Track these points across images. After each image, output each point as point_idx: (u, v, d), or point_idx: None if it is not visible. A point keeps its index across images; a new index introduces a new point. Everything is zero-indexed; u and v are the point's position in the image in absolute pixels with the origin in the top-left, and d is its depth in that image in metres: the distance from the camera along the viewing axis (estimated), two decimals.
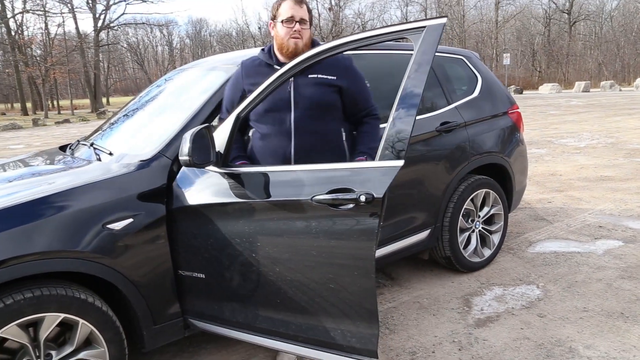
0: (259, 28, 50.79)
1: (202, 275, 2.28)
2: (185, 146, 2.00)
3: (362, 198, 1.84)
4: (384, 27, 2.00)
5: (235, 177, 2.17)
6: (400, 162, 1.83)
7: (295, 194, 1.99)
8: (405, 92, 1.87)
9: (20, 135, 18.66)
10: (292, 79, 2.21)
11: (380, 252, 3.02)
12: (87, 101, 44.23)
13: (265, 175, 2.11)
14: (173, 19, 77.90)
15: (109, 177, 2.22)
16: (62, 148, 3.15)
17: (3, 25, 35.43)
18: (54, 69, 34.16)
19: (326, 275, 2.01)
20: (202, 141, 2.05)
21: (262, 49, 2.40)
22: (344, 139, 2.33)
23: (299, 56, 2.13)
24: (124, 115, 3.17)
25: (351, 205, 1.88)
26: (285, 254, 2.06)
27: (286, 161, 2.24)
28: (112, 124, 3.16)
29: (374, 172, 1.88)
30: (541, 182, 6.26)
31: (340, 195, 1.89)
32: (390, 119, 1.86)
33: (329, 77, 2.25)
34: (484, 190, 3.56)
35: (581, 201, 5.33)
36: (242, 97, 2.30)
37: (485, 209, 3.63)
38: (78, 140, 3.13)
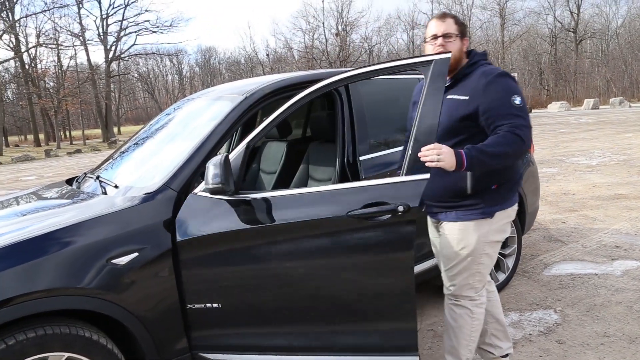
0: (267, 55, 51.44)
1: (217, 305, 2.24)
2: (214, 173, 2.05)
3: (400, 208, 2.04)
4: (395, 59, 2.28)
5: (251, 203, 2.23)
6: (427, 175, 2.06)
7: (328, 211, 2.14)
8: (423, 114, 2.11)
9: (33, 167, 18.89)
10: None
11: None
12: (98, 131, 44.86)
13: (285, 197, 2.26)
14: (183, 48, 79.35)
15: (113, 211, 2.20)
16: (69, 181, 3.15)
17: (17, 59, 36.24)
18: (66, 101, 34.76)
19: (363, 285, 2.18)
20: (227, 169, 2.09)
21: None
22: None
23: (449, 72, 2.17)
24: (130, 147, 3.17)
25: (388, 216, 2.05)
26: (321, 270, 2.19)
27: None
28: (119, 155, 3.16)
29: (405, 186, 2.08)
30: (554, 202, 6.17)
31: (379, 208, 2.07)
32: (412, 137, 2.10)
33: (462, 98, 2.19)
34: None
35: (596, 221, 5.22)
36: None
37: None
38: (85, 173, 3.13)
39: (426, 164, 2.02)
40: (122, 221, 2.16)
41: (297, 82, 2.83)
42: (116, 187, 2.50)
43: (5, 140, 36.75)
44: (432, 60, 2.15)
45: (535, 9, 48.80)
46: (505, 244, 3.63)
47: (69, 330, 1.98)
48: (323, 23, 45.32)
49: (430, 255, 3.16)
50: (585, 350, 2.72)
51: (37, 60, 39.39)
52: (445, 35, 2.21)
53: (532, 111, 29.42)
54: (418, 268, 3.13)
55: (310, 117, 3.95)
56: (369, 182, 2.19)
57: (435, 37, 2.23)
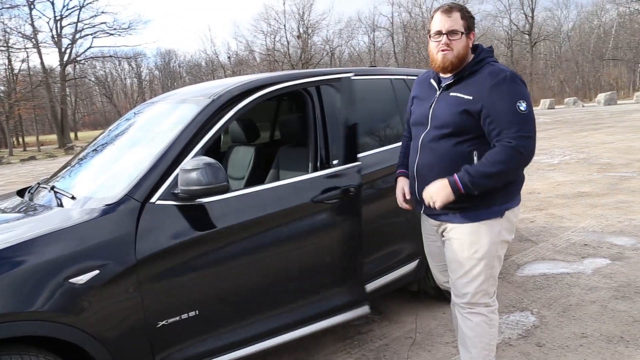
0: (229, 57, 50.89)
1: (194, 313, 2.19)
2: (198, 174, 2.09)
3: (351, 189, 2.65)
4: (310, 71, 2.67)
5: (216, 205, 2.27)
6: (359, 162, 2.73)
7: (296, 201, 2.53)
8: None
9: None
10: (437, 93, 2.17)
11: (368, 287, 2.86)
12: (54, 137, 43.26)
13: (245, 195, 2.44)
14: (141, 50, 77.39)
15: (70, 225, 2.01)
16: (20, 192, 2.91)
17: None
18: (18, 105, 33.39)
19: (326, 255, 2.61)
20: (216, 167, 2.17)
21: None
22: (475, 163, 2.06)
23: (451, 70, 2.11)
24: (89, 154, 2.96)
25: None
26: (293, 251, 2.51)
27: (412, 177, 2.26)
28: (77, 163, 2.94)
29: (344, 173, 2.69)
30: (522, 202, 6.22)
31: (336, 191, 2.61)
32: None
33: (465, 97, 2.06)
34: None
35: (563, 219, 5.28)
36: (411, 110, 2.35)
37: None
38: (38, 183, 2.90)
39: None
40: (80, 236, 1.98)
41: (264, 84, 2.70)
42: (73, 198, 2.31)
43: None
44: (340, 78, 2.83)
45: (491, 12, 49.98)
46: None
47: (22, 358, 1.79)
48: (284, 25, 45.20)
49: (404, 261, 3.09)
50: (566, 353, 2.69)
51: None
52: (451, 32, 2.07)
53: None
54: (393, 275, 3.05)
55: (279, 120, 3.82)
56: (317, 174, 2.65)
57: (439, 33, 2.08)
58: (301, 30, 44.81)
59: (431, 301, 3.44)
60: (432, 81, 2.23)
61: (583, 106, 26.64)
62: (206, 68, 55.78)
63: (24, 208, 2.49)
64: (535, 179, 7.67)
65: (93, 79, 56.40)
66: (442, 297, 3.35)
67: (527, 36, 44.95)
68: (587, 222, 5.07)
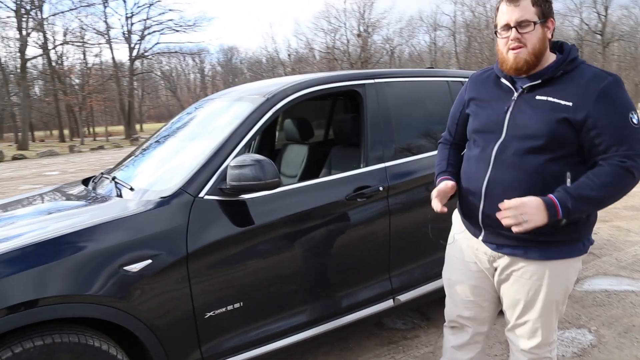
0: (289, 55, 51.47)
1: (239, 304, 2.24)
2: (249, 170, 2.13)
3: (380, 188, 2.66)
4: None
5: (258, 201, 2.32)
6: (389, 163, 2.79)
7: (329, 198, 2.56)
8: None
9: (56, 162, 19.12)
10: (515, 96, 1.78)
11: (414, 293, 2.83)
12: (121, 128, 45.37)
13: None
14: (205, 47, 79.85)
15: (126, 215, 2.10)
16: (85, 181, 3.07)
17: (45, 56, 36.86)
18: (90, 97, 35.19)
19: (359, 251, 2.66)
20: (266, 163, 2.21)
21: None
22: (568, 185, 1.68)
23: (527, 71, 1.74)
24: (148, 147, 3.08)
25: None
26: (330, 246, 2.55)
27: (477, 194, 1.82)
28: (137, 155, 3.07)
29: (374, 172, 2.72)
30: None
31: (368, 190, 2.65)
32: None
33: (562, 102, 1.68)
34: None
35: (630, 232, 4.99)
36: (462, 113, 1.99)
37: None
38: (102, 173, 3.04)
39: (509, 227, 1.65)
40: (135, 226, 2.06)
41: (318, 83, 2.72)
42: (132, 189, 2.41)
43: (31, 135, 37.44)
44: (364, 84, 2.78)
45: (560, 11, 47.68)
46: None
47: (78, 339, 1.89)
48: (345, 24, 45.15)
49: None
50: None
51: (64, 58, 40.01)
52: (522, 24, 1.69)
53: None
54: (440, 282, 2.97)
55: (333, 119, 3.83)
56: (349, 173, 2.69)
57: (507, 27, 1.72)
58: (361, 29, 44.64)
59: None
60: (504, 80, 1.83)
61: None
62: (266, 65, 56.69)
63: (87, 197, 2.62)
64: None
65: (159, 73, 58.58)
66: None
67: (599, 36, 42.76)
68: None
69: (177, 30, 41.68)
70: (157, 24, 41.50)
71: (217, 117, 2.80)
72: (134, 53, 41.24)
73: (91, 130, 44.83)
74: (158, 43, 44.50)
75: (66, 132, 41.61)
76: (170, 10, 44.89)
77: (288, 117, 3.58)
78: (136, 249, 2.01)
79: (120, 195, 2.42)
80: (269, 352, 2.34)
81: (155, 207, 2.14)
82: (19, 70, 31.29)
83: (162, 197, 2.18)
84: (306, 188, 2.54)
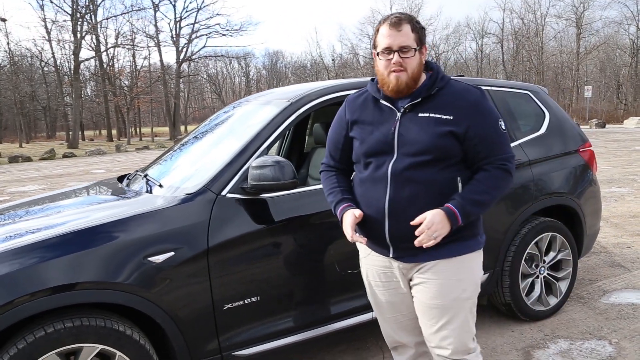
0: (333, 60, 51.80)
1: (256, 298, 2.36)
2: (268, 170, 2.24)
3: None
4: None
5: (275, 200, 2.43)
6: None
7: None
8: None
9: (103, 160, 19.92)
10: (398, 116, 1.87)
11: None
12: (166, 129, 46.70)
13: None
14: (251, 51, 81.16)
15: (152, 209, 2.25)
16: (120, 178, 3.27)
17: (97, 58, 38.44)
18: (138, 99, 36.46)
19: None
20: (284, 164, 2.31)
21: (372, 79, 2.01)
22: (459, 190, 1.84)
23: (406, 92, 1.85)
24: (180, 147, 3.25)
25: None
26: (346, 246, 2.37)
27: (380, 214, 1.87)
28: (170, 154, 3.25)
29: None
30: (620, 225, 5.78)
31: None
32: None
33: (444, 117, 1.82)
34: (550, 233, 3.30)
35: None
36: (346, 136, 2.01)
37: (552, 254, 3.36)
38: (136, 171, 3.24)
39: (425, 247, 1.78)
40: (160, 220, 2.21)
41: (341, 89, 2.81)
42: (161, 186, 2.57)
43: (81, 135, 39.06)
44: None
45: (615, 19, 46.20)
46: (558, 267, 3.43)
47: (104, 323, 2.04)
48: None
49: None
50: None
51: (115, 60, 41.62)
52: (403, 49, 1.80)
53: (606, 126, 27.89)
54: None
55: None
56: None
57: (389, 50, 1.81)
58: None
59: (500, 317, 3.35)
60: (384, 102, 1.91)
61: None
62: (311, 69, 57.15)
63: (120, 192, 2.80)
64: None
65: (205, 76, 59.98)
66: (512, 314, 3.26)
67: None
68: None
69: (224, 34, 42.53)
70: (205, 28, 42.55)
71: (245, 120, 2.94)
72: (182, 56, 42.41)
73: (138, 130, 46.32)
74: (205, 46, 45.72)
75: (114, 132, 43.17)
76: (217, 14, 46.10)
77: (317, 121, 3.69)
78: (160, 241, 2.16)
79: (150, 192, 2.59)
80: (284, 345, 2.44)
81: (180, 203, 2.29)
82: (72, 72, 32.72)
83: (186, 194, 2.33)
84: (321, 190, 2.62)
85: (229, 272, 2.29)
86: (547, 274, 3.36)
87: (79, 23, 34.10)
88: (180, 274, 2.18)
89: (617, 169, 10.48)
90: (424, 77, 1.89)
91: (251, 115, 2.92)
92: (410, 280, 1.96)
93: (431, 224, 1.75)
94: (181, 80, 44.97)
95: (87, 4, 35.06)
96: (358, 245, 2.09)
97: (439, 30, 63.24)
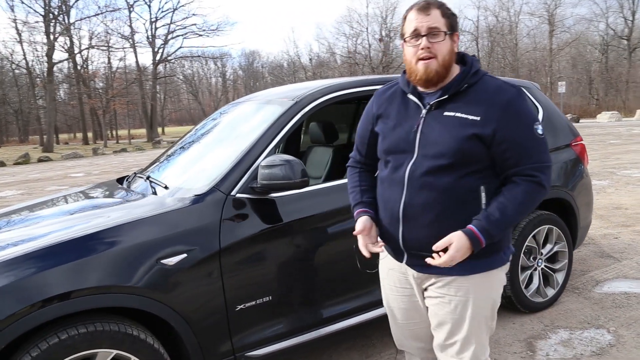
0: (310, 59, 51.76)
1: (268, 298, 2.35)
2: (279, 169, 2.23)
3: None
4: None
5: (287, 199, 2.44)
6: None
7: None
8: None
9: (81, 164, 19.55)
10: (423, 113, 1.72)
11: None
12: (143, 131, 46.09)
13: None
14: (227, 51, 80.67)
15: (163, 211, 2.23)
16: (120, 180, 3.22)
17: (70, 60, 37.73)
18: (114, 101, 35.88)
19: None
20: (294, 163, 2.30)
21: (404, 72, 1.81)
22: (483, 201, 1.66)
23: (436, 82, 1.68)
24: (180, 148, 3.22)
25: None
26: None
27: (394, 218, 1.74)
28: (169, 156, 3.22)
29: None
30: (605, 216, 5.92)
31: None
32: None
33: (470, 117, 1.64)
34: (547, 226, 3.37)
35: None
36: (372, 131, 1.86)
37: (548, 246, 3.43)
38: (135, 173, 3.20)
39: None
40: (172, 222, 2.20)
41: (344, 87, 2.82)
42: (166, 187, 2.54)
43: (56, 138, 38.29)
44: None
45: (586, 16, 47.22)
46: (555, 259, 3.50)
47: (118, 327, 2.02)
48: (367, 28, 45.31)
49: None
50: None
51: (89, 62, 40.94)
52: (431, 33, 1.64)
53: (580, 121, 28.51)
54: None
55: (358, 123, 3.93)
56: None
57: (417, 34, 1.65)
58: (383, 34, 44.70)
59: (500, 310, 3.39)
60: (411, 97, 1.76)
61: None
62: (288, 69, 57.04)
63: (125, 194, 2.76)
64: (624, 193, 7.25)
65: (181, 77, 59.34)
66: (512, 306, 3.32)
67: (625, 41, 42.08)
68: None
69: (200, 35, 42.26)
70: (181, 28, 42.19)
71: (247, 120, 2.93)
72: (158, 57, 41.94)
73: (114, 133, 45.66)
74: (181, 47, 45.19)
75: (90, 134, 42.43)
76: (193, 14, 45.72)
77: (313, 120, 3.70)
78: (173, 243, 2.14)
79: (155, 193, 2.56)
80: (295, 344, 2.44)
81: (191, 204, 2.27)
82: (45, 74, 32.04)
83: (196, 195, 2.31)
84: (334, 188, 2.64)
85: (240, 273, 2.29)
86: (545, 266, 3.43)
87: (52, 24, 33.41)
88: (194, 276, 2.17)
89: (596, 162, 10.72)
90: (457, 70, 1.71)
91: (254, 115, 2.91)
92: (424, 290, 1.83)
93: (454, 257, 1.60)
94: (157, 81, 44.45)
95: (59, 4, 34.41)
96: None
97: None
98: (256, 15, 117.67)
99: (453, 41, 1.69)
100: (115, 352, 2.01)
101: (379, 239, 1.84)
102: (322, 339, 2.55)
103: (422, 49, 1.64)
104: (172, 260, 2.12)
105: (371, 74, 17.45)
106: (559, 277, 3.50)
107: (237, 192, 2.34)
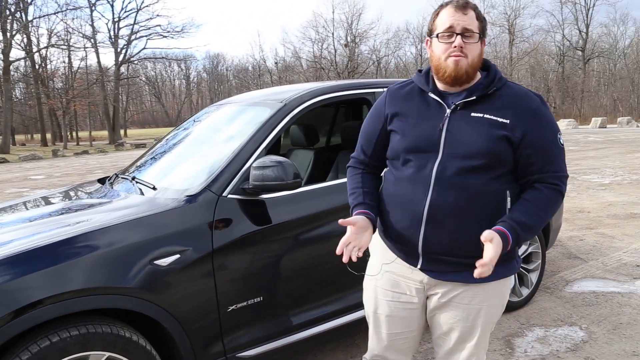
0: (276, 63, 51.70)
1: (259, 299, 2.37)
2: (271, 170, 2.24)
3: None
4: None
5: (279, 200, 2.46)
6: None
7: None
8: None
9: (41, 166, 18.94)
10: (448, 112, 1.67)
11: None
12: (104, 133, 45.01)
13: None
14: (191, 53, 79.76)
15: (155, 212, 2.21)
16: (101, 181, 3.16)
17: (28, 59, 36.50)
18: (74, 102, 34.90)
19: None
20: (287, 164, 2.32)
21: (419, 70, 1.81)
22: (508, 205, 1.65)
23: (464, 82, 1.66)
24: (163, 149, 3.18)
25: None
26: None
27: (415, 218, 1.67)
28: (150, 158, 3.17)
29: None
30: (570, 219, 6.16)
31: None
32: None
33: (500, 120, 1.63)
34: None
35: (614, 239, 5.21)
36: (383, 130, 1.80)
37: (523, 247, 3.55)
38: (116, 174, 3.14)
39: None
40: (165, 223, 2.18)
41: (332, 90, 2.86)
42: (154, 188, 2.52)
43: (12, 139, 36.91)
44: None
45: (543, 27, 48.81)
46: (529, 259, 3.63)
47: (110, 329, 1.99)
48: (332, 34, 45.62)
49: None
50: None
51: (48, 61, 39.70)
52: (467, 32, 1.62)
53: None
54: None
55: (342, 125, 3.98)
56: None
57: (451, 32, 1.62)
58: (349, 39, 45.13)
59: None
60: (433, 95, 1.71)
61: (638, 126, 25.78)
62: (253, 72, 56.82)
63: (111, 194, 2.72)
64: (585, 197, 7.55)
65: (144, 78, 58.28)
66: None
67: (580, 52, 43.82)
68: None
69: (165, 36, 41.64)
70: (145, 29, 41.47)
71: (234, 121, 2.93)
72: (120, 58, 41.07)
73: (74, 134, 44.37)
74: (145, 48, 44.36)
75: (48, 136, 41.11)
76: (158, 15, 45.06)
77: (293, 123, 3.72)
78: (166, 244, 2.13)
79: (142, 194, 2.53)
80: (286, 344, 2.45)
81: (183, 204, 2.26)
82: (2, 73, 30.89)
83: (188, 196, 2.30)
84: (320, 190, 2.68)
85: (232, 274, 2.29)
86: (520, 266, 3.54)
87: (9, 21, 32.28)
88: (187, 277, 2.15)
89: None
90: (478, 75, 1.71)
91: (240, 117, 2.92)
92: (428, 297, 1.79)
93: (495, 258, 1.51)
94: (120, 83, 43.50)
95: (16, 1, 33.27)
96: (376, 249, 1.89)
97: (380, 35, 64.67)
98: (222, 17, 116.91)
99: (483, 45, 1.68)
100: (107, 354, 1.98)
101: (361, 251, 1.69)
102: (309, 339, 2.57)
103: (455, 47, 1.61)
104: (165, 261, 2.10)
105: (337, 79, 17.59)
106: (533, 277, 3.63)
107: (229, 193, 2.34)
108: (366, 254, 1.80)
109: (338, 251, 1.65)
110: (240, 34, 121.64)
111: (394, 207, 1.74)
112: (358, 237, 1.67)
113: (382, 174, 1.87)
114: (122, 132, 47.89)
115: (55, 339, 1.87)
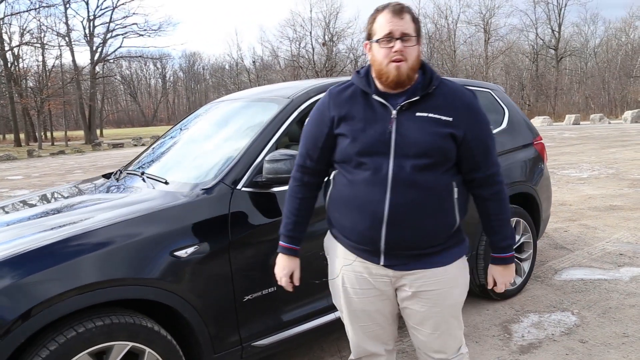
0: (254, 62, 51.51)
1: (273, 289, 2.41)
2: (286, 164, 2.29)
3: None
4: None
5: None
6: None
7: None
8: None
9: (16, 166, 18.59)
10: (394, 115, 1.72)
11: None
12: (80, 132, 44.26)
13: None
14: (168, 52, 78.88)
15: (173, 204, 2.26)
16: (106, 176, 3.19)
17: (0, 57, 35.69)
18: (49, 101, 34.25)
19: None
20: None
21: (357, 72, 1.83)
22: (455, 196, 1.75)
23: (405, 85, 1.72)
24: (167, 145, 3.22)
25: None
26: None
27: (376, 219, 1.71)
28: (155, 154, 3.21)
29: None
30: (553, 212, 6.33)
31: None
32: None
33: (444, 118, 1.70)
34: (515, 219, 3.63)
35: (596, 230, 5.41)
36: (329, 134, 1.80)
37: (517, 237, 3.69)
38: (120, 170, 3.17)
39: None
40: (184, 215, 2.24)
41: None
42: (166, 183, 2.56)
43: None
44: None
45: (517, 26, 49.74)
46: (521, 249, 3.77)
47: (133, 320, 2.04)
48: (310, 32, 45.67)
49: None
50: (609, 349, 2.86)
51: (20, 59, 38.80)
52: (405, 37, 1.67)
53: None
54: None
55: None
56: None
57: (390, 37, 1.67)
58: (326, 38, 45.23)
59: (474, 298, 3.63)
60: (377, 97, 1.74)
61: (609, 123, 26.48)
62: (230, 71, 56.50)
63: (125, 189, 2.75)
64: (566, 191, 7.79)
65: (119, 77, 57.42)
66: (486, 294, 3.55)
67: (553, 51, 44.75)
68: (621, 234, 5.20)
69: (141, 35, 41.11)
70: (121, 28, 40.89)
71: (240, 117, 2.98)
72: (96, 57, 40.41)
73: (49, 134, 43.53)
74: (121, 47, 43.72)
75: (22, 136, 40.22)
76: (134, 13, 44.41)
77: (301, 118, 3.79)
78: (185, 236, 2.18)
79: (153, 189, 2.57)
80: (299, 333, 2.52)
81: (199, 197, 2.31)
82: None
83: (204, 189, 2.35)
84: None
85: (248, 264, 2.35)
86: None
87: None
88: (205, 267, 2.21)
89: None
90: (416, 75, 1.76)
91: (247, 112, 2.97)
92: (398, 289, 1.85)
93: (505, 279, 1.93)
94: (95, 82, 42.81)
95: None
96: (337, 252, 1.91)
97: (357, 34, 64.84)
98: (198, 16, 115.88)
99: (419, 46, 1.75)
100: (131, 344, 2.03)
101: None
102: (318, 329, 2.64)
103: (396, 51, 1.67)
104: (184, 253, 2.15)
105: (315, 78, 17.62)
106: (525, 266, 3.78)
107: (243, 186, 2.40)
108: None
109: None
110: (217, 33, 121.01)
111: (351, 209, 1.77)
112: (287, 269, 2.04)
113: (332, 177, 1.85)
114: (98, 131, 47.14)
115: (81, 330, 1.91)
